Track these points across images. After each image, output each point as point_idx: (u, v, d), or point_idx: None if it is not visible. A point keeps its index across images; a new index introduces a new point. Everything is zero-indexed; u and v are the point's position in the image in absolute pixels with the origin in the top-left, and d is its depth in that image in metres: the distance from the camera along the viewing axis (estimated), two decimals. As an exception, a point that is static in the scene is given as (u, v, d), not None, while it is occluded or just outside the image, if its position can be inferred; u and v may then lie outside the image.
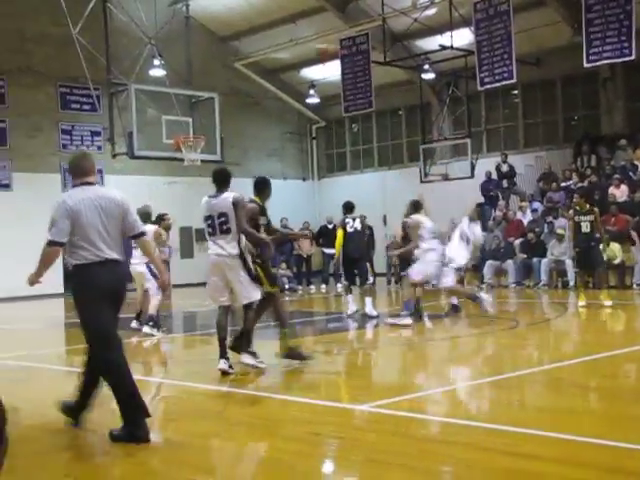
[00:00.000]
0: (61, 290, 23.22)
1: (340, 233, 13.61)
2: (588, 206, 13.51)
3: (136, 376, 8.44)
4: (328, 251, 20.53)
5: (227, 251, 7.61)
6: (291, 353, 8.31)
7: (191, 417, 6.49)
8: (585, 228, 13.21)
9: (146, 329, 11.66)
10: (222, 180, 7.79)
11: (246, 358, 7.96)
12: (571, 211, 13.84)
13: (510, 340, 10.71)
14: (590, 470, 4.38)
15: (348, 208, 13.85)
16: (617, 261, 16.78)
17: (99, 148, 23.58)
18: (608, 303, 12.88)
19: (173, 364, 9.99)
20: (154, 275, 11.19)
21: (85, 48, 18.28)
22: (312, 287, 21.27)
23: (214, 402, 7.02)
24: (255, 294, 7.83)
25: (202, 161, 18.80)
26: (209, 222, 7.69)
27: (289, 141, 28.81)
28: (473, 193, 21.91)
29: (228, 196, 7.64)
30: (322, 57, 16.52)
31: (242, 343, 7.99)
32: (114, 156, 19.16)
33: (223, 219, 7.59)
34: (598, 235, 13.42)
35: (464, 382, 7.54)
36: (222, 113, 19.42)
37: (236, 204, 7.55)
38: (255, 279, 7.84)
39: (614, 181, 19.02)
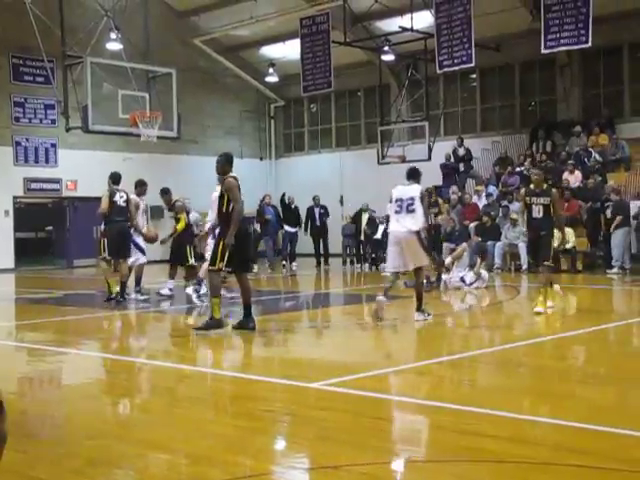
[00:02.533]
0: (12, 265, 22.90)
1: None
2: (545, 185, 10.76)
3: (87, 352, 8.40)
4: (289, 229, 20.58)
5: (408, 227, 9.65)
6: (211, 323, 9.04)
7: (142, 393, 6.44)
8: (537, 213, 10.40)
9: (189, 290, 12.76)
10: (414, 175, 10.07)
11: (418, 316, 9.79)
12: (523, 189, 11.49)
13: (463, 322, 10.84)
14: (538, 448, 4.45)
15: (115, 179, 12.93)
16: (569, 246, 17.06)
17: (53, 122, 23.16)
18: (539, 310, 10.19)
19: (126, 340, 9.91)
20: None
21: (39, 18, 17.86)
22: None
23: (166, 378, 6.97)
24: (424, 261, 9.93)
25: (158, 137, 18.56)
26: (399, 203, 9.75)
27: (247, 119, 28.62)
28: (430, 176, 22.02)
29: (418, 187, 9.84)
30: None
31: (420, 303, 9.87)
32: (68, 130, 18.79)
33: (410, 202, 9.67)
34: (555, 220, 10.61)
35: (415, 362, 7.61)
36: (180, 89, 19.15)
37: (422, 195, 9.79)
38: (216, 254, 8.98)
39: (568, 166, 19.29)
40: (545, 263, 10.41)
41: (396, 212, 9.76)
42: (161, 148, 22.52)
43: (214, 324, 9.00)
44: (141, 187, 13.48)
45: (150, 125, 17.99)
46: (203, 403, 5.92)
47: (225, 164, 9.26)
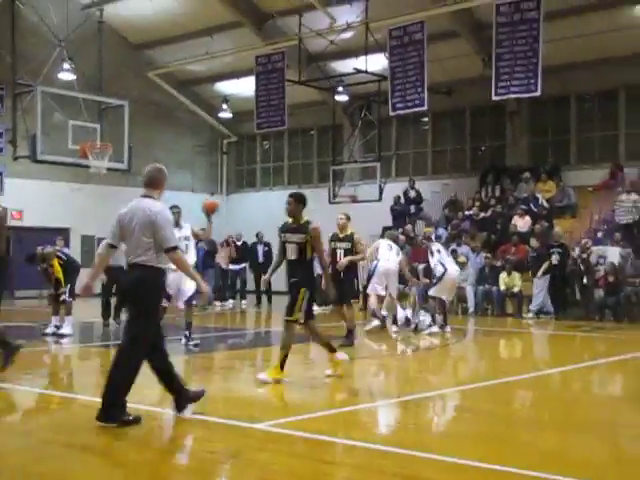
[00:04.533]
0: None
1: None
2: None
3: (23, 387, 8.14)
4: (233, 267, 20.31)
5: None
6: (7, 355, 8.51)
7: (81, 431, 6.24)
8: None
9: (395, 328, 13.32)
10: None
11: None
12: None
13: (408, 364, 10.81)
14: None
15: None
16: (516, 289, 17.27)
17: (0, 150, 22.75)
18: (264, 378, 7.93)
19: (64, 375, 9.64)
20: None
21: (-11, 45, 17.68)
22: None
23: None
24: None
25: (108, 169, 18.38)
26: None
27: (199, 154, 28.53)
28: (381, 216, 22.18)
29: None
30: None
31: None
32: (16, 159, 18.54)
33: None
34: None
35: (361, 404, 7.53)
36: (132, 122, 19.06)
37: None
38: None
39: (518, 211, 19.61)
40: (287, 318, 8.02)
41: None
42: (111, 180, 22.28)
43: (11, 351, 8.58)
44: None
45: (100, 157, 17.84)
46: (143, 443, 5.74)
47: None
